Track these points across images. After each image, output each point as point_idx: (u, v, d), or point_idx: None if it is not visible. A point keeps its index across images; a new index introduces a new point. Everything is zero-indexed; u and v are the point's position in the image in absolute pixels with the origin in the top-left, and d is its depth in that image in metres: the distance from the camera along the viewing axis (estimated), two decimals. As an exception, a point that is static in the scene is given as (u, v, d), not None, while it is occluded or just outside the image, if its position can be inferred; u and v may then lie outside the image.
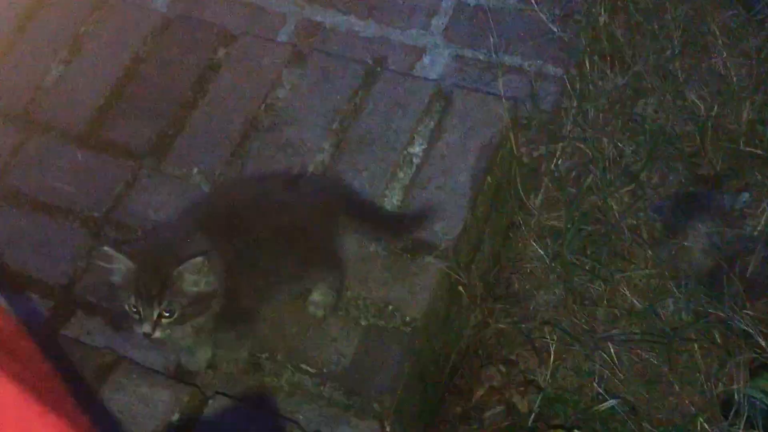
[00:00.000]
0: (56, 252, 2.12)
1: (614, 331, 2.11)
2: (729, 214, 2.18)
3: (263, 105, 2.27)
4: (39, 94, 2.40)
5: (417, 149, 2.15)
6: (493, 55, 2.45)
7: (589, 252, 2.22)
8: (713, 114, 2.38)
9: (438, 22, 2.56)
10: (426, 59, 2.49)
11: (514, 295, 2.28)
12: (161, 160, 2.22)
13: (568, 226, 2.16)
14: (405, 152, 2.15)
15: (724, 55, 2.48)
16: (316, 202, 1.88)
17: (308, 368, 1.89)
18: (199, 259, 1.64)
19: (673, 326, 2.04)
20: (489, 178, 2.11)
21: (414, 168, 2.12)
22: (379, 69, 2.34)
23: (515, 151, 2.20)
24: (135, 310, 1.67)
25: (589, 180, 2.31)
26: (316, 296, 1.93)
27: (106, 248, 1.68)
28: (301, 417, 1.84)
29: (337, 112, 2.23)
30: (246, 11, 2.59)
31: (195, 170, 2.19)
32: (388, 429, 1.85)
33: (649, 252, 2.18)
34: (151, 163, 2.22)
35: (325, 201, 1.90)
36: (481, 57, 2.48)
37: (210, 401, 1.82)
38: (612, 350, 2.06)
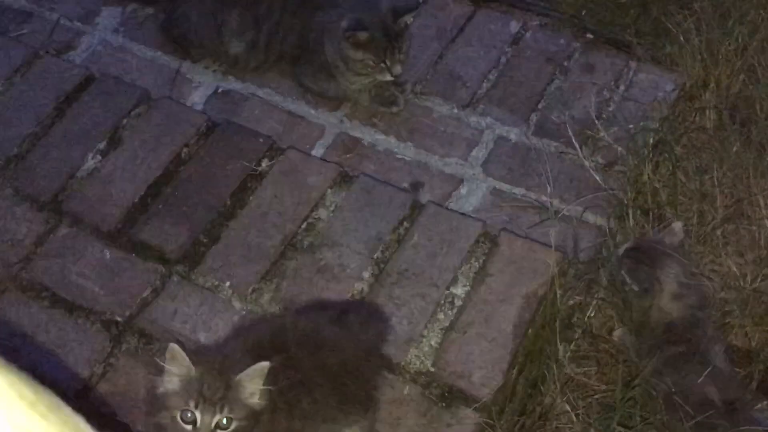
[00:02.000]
0: (73, 354, 2.03)
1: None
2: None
3: (304, 224, 2.22)
4: (71, 183, 2.33)
5: (460, 290, 2.09)
6: (531, 195, 2.42)
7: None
8: (753, 285, 2.34)
9: (478, 154, 2.52)
10: (463, 189, 2.44)
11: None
12: (192, 269, 2.15)
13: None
14: (447, 292, 2.09)
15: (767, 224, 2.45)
16: (362, 341, 1.80)
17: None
18: (263, 364, 1.58)
19: None
20: (531, 329, 2.04)
21: (455, 310, 2.05)
22: (424, 202, 2.28)
23: (558, 304, 2.13)
24: (190, 418, 1.57)
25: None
26: None
27: (175, 346, 1.60)
28: None
29: (379, 240, 2.17)
30: (285, 118, 2.56)
31: (227, 284, 2.12)
32: None
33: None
34: (181, 271, 2.15)
35: (372, 339, 1.82)
36: (518, 194, 2.44)
37: None
38: None
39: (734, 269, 2.42)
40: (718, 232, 2.47)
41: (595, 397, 2.22)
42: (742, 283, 2.37)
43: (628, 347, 2.20)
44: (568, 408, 2.16)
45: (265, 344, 1.72)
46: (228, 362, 1.64)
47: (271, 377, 1.63)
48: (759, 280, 2.31)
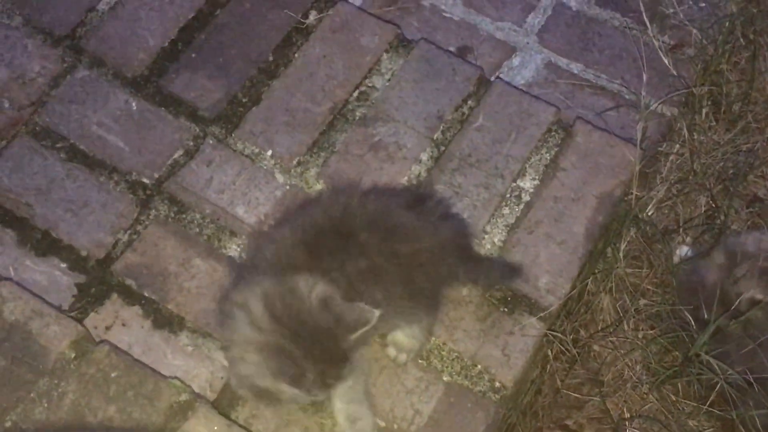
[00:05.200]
0: (95, 217, 1.81)
1: (695, 426, 1.91)
2: None
3: (356, 91, 1.98)
4: (91, 17, 2.05)
5: (528, 184, 1.89)
6: (590, 73, 2.20)
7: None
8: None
9: (534, 20, 2.27)
10: (516, 59, 2.21)
11: (582, 354, 2.06)
12: (230, 132, 1.92)
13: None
14: (514, 184, 1.88)
15: None
16: (441, 233, 1.59)
17: (377, 420, 1.63)
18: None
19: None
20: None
21: (522, 206, 1.86)
22: (490, 77, 2.04)
23: (633, 206, 1.95)
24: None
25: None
26: (401, 338, 1.66)
27: None
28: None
29: (440, 119, 1.94)
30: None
31: (269, 152, 1.89)
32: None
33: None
34: (218, 133, 1.91)
35: (450, 233, 1.62)
36: (575, 70, 2.21)
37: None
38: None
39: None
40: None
41: (644, 301, 2.09)
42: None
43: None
44: (618, 313, 2.03)
45: (327, 228, 1.51)
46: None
47: (337, 262, 1.45)
48: None
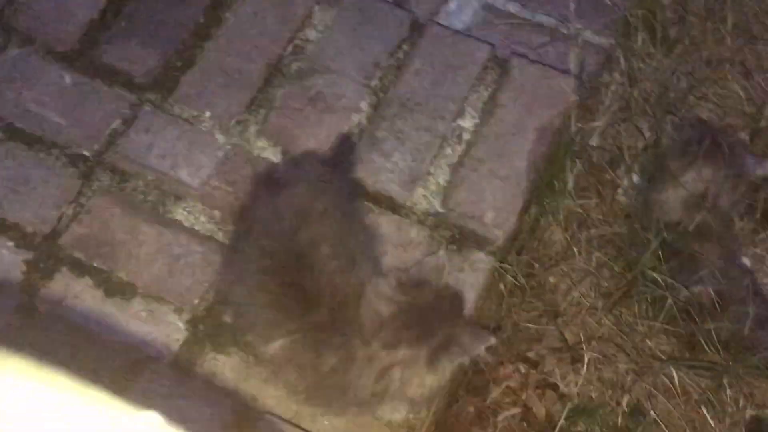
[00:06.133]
0: (37, 193, 1.81)
1: (653, 346, 1.95)
2: (743, 174, 2.01)
3: (290, 46, 1.97)
4: (18, -6, 2.03)
5: (468, 123, 1.90)
6: (527, 12, 2.20)
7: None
8: (764, 112, 2.20)
9: (467, -38, 2.26)
10: (452, 4, 2.20)
11: (537, 287, 2.08)
12: (166, 97, 1.91)
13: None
14: (454, 124, 1.89)
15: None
16: None
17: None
18: None
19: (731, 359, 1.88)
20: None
21: (464, 145, 1.87)
22: (426, 21, 2.04)
23: (572, 136, 1.97)
24: None
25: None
26: None
27: None
28: (326, 423, 1.62)
29: (376, 65, 1.95)
30: None
31: (207, 114, 1.89)
32: (419, 441, 1.65)
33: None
34: (154, 99, 1.90)
35: None
36: (513, 10, 2.21)
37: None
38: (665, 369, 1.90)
39: (741, 93, 2.29)
40: (727, 52, 2.31)
41: (595, 231, 2.11)
42: (747, 108, 2.24)
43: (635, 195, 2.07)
44: (572, 245, 2.06)
45: None
46: None
47: None
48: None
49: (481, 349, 1.49)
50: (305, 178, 1.62)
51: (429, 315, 1.45)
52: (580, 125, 2.13)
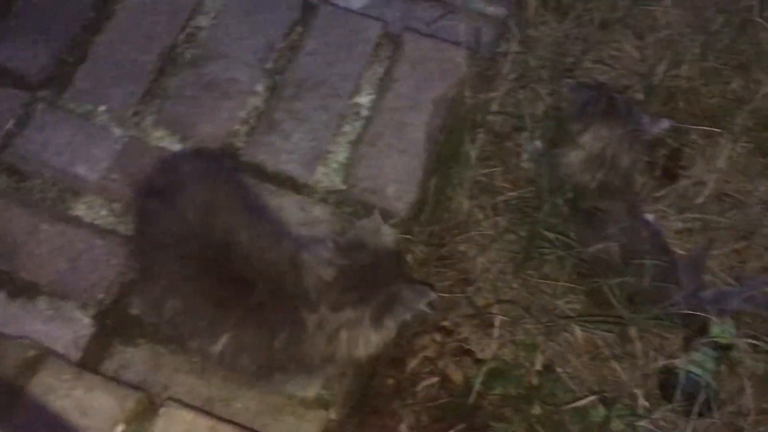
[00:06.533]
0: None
1: (562, 305, 1.99)
2: (640, 132, 2.06)
3: (183, 34, 1.97)
4: None
5: (365, 99, 1.92)
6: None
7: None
8: (656, 71, 2.26)
9: (362, -56, 2.28)
10: (349, -16, 2.23)
11: (449, 257, 2.12)
12: (60, 94, 1.89)
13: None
14: (351, 102, 1.91)
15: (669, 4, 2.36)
16: None
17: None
18: None
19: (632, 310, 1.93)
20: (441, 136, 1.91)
21: (362, 121, 1.89)
22: (316, 2, 2.05)
23: (467, 105, 1.99)
24: None
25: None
26: None
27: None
28: (239, 405, 1.63)
29: (270, 48, 1.95)
30: None
31: (102, 108, 1.88)
32: (333, 417, 1.67)
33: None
34: (48, 97, 1.89)
35: None
36: (410, -12, 2.24)
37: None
38: (568, 327, 1.94)
39: (635, 54, 2.34)
40: (618, 15, 2.36)
41: (502, 198, 2.15)
42: (643, 68, 2.30)
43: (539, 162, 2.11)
44: (477, 212, 2.09)
45: None
46: None
47: None
48: (664, 65, 2.23)
49: (422, 305, 1.55)
50: (201, 174, 1.63)
51: (370, 275, 1.50)
52: (481, 96, 2.17)
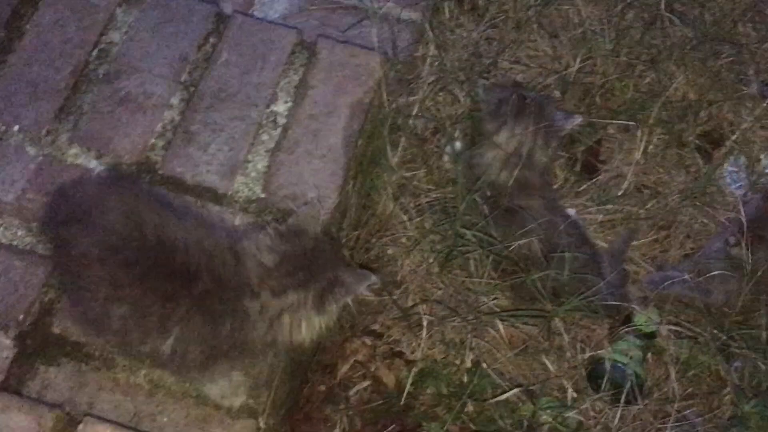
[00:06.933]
0: None
1: (488, 301, 2.02)
2: (554, 129, 2.10)
3: (96, 50, 1.95)
4: None
5: (281, 107, 1.92)
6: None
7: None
8: (572, 69, 2.30)
9: (279, -47, 2.29)
10: (267, -7, 2.24)
11: (377, 260, 2.13)
12: (-29, 116, 1.87)
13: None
14: (268, 110, 1.91)
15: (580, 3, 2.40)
16: None
17: (171, 362, 1.65)
18: None
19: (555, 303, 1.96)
20: (360, 140, 1.92)
21: (279, 129, 1.89)
22: (228, 12, 2.06)
23: (386, 109, 2.01)
24: None
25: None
26: None
27: None
28: (165, 419, 1.62)
29: (184, 60, 1.95)
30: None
31: (16, 128, 1.86)
32: (263, 425, 1.67)
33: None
34: (-42, 119, 1.86)
35: None
36: (327, -5, 2.26)
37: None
38: (492, 323, 1.97)
39: (550, 52, 2.39)
40: (532, 15, 2.40)
41: (426, 199, 2.17)
42: (558, 66, 2.34)
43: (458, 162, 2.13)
44: (402, 215, 2.11)
45: None
46: None
47: None
48: (578, 61, 2.28)
49: (364, 288, 1.58)
50: (115, 188, 1.64)
51: (311, 260, 1.53)
52: (401, 99, 2.19)
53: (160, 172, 1.82)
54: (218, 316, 1.48)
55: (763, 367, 1.92)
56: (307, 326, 1.55)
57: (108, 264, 1.47)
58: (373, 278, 1.59)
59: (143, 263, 1.46)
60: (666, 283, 2.07)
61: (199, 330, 1.48)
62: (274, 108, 1.92)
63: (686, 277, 2.03)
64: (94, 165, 1.83)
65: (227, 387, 1.62)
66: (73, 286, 1.57)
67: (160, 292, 1.46)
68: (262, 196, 1.82)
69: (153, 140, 1.85)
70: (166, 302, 1.46)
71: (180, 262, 1.47)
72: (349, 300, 1.58)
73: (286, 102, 1.92)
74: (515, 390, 1.89)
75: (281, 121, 1.90)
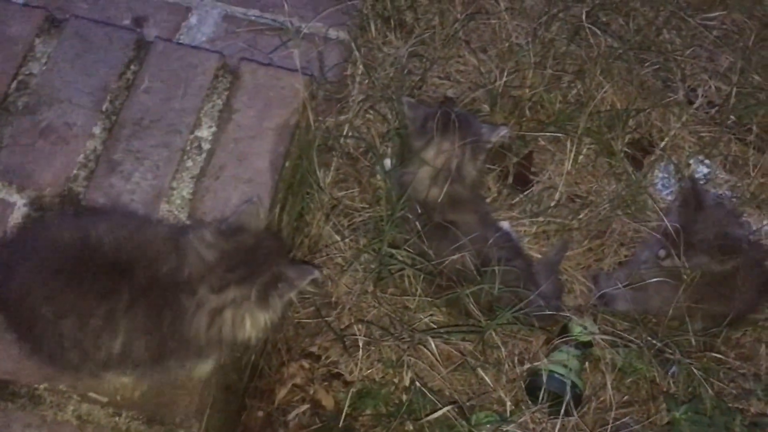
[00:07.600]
0: None
1: (424, 318, 2.01)
2: (481, 142, 2.11)
3: (15, 82, 1.92)
4: None
5: (205, 133, 1.90)
6: (267, 17, 2.25)
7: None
8: (499, 82, 2.31)
9: (200, -23, 2.29)
10: (193, 18, 2.25)
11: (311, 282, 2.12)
12: None
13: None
14: (192, 136, 1.89)
15: (506, 18, 2.42)
16: None
17: (98, 397, 1.63)
18: None
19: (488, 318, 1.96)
20: (287, 162, 1.91)
21: (204, 155, 1.87)
22: (150, 38, 2.04)
23: (312, 129, 2.01)
24: None
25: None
26: None
27: None
28: (96, 455, 1.59)
29: (105, 89, 1.92)
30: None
31: (-68, 165, 1.82)
32: (198, 457, 1.65)
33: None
34: None
35: None
36: (253, 17, 2.26)
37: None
38: (426, 342, 1.96)
39: (480, 67, 2.40)
40: (461, 32, 2.42)
41: (359, 218, 2.17)
42: (488, 79, 2.35)
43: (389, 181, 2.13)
44: (335, 235, 2.10)
45: None
46: None
47: None
48: (505, 74, 2.29)
49: (307, 282, 1.59)
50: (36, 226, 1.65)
51: (253, 256, 1.54)
52: (331, 119, 2.19)
53: (83, 203, 1.79)
54: (158, 308, 1.48)
55: (697, 373, 1.93)
56: (251, 322, 1.56)
57: (42, 280, 1.47)
58: (316, 273, 1.61)
59: (72, 268, 1.47)
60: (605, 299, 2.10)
61: (143, 323, 1.48)
62: (198, 133, 1.90)
63: (621, 287, 2.05)
64: (16, 199, 1.79)
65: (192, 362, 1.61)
66: (20, 327, 1.56)
67: (96, 290, 1.46)
68: (188, 222, 1.80)
69: (75, 171, 1.82)
70: (105, 299, 1.46)
71: (111, 258, 1.47)
72: (293, 295, 1.59)
73: (210, 127, 1.91)
74: (449, 407, 1.87)
75: (206, 146, 1.88)
